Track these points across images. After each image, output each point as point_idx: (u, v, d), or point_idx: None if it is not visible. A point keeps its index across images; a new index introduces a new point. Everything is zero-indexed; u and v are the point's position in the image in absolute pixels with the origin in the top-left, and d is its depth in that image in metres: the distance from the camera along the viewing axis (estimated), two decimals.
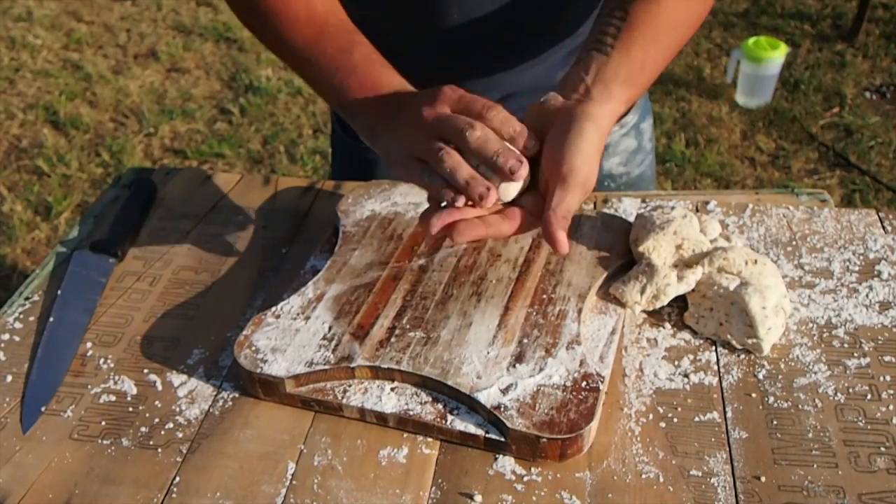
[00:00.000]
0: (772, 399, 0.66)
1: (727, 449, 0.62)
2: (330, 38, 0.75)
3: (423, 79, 0.93)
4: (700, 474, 0.61)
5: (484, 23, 0.85)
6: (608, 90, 0.66)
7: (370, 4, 0.86)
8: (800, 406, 0.65)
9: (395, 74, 0.73)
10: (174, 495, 0.62)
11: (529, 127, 0.65)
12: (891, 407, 0.65)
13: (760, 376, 0.68)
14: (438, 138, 0.64)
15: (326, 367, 0.67)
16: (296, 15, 0.76)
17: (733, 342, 0.70)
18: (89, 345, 0.76)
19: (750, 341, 0.69)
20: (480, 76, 0.92)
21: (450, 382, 0.64)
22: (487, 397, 0.63)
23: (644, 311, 0.75)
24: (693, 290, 0.73)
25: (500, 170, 0.61)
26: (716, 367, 0.69)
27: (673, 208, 0.79)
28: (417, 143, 0.65)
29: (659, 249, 0.75)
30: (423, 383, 0.66)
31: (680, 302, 0.75)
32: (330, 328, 0.70)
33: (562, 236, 0.61)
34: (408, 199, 0.86)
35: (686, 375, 0.69)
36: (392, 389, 0.66)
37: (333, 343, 0.69)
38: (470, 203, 0.63)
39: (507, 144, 0.62)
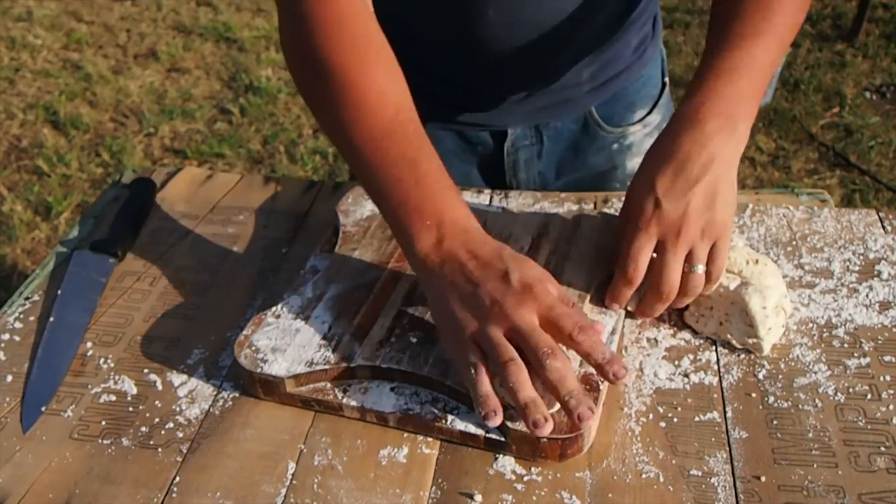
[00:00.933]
0: (772, 399, 0.66)
1: (727, 449, 0.62)
2: (396, 140, 0.67)
3: (453, 76, 0.93)
4: (700, 474, 0.61)
5: (519, 23, 0.85)
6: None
7: (403, 1, 0.85)
8: (800, 406, 0.65)
9: (460, 201, 0.66)
10: (174, 495, 0.62)
11: None
12: (891, 407, 0.65)
13: (760, 376, 0.68)
14: (510, 337, 0.60)
15: (326, 366, 0.67)
16: (366, 98, 0.67)
17: (733, 342, 0.70)
18: (89, 345, 0.76)
19: (750, 341, 0.69)
20: (510, 75, 0.92)
21: (450, 382, 0.64)
22: None
23: None
24: None
25: (569, 413, 0.58)
26: (716, 367, 0.69)
27: None
28: (483, 332, 0.60)
29: None
30: (423, 383, 0.66)
31: None
32: (330, 328, 0.70)
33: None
34: None
35: (686, 375, 0.69)
36: (392, 389, 0.66)
37: (333, 343, 0.69)
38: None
39: (582, 390, 0.59)
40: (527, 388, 0.58)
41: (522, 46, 0.87)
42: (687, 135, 0.67)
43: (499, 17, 0.84)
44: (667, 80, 1.04)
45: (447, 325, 0.64)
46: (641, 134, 1.02)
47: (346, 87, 0.68)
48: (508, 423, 0.61)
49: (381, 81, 0.69)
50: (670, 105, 1.06)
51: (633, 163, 1.03)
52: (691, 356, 0.70)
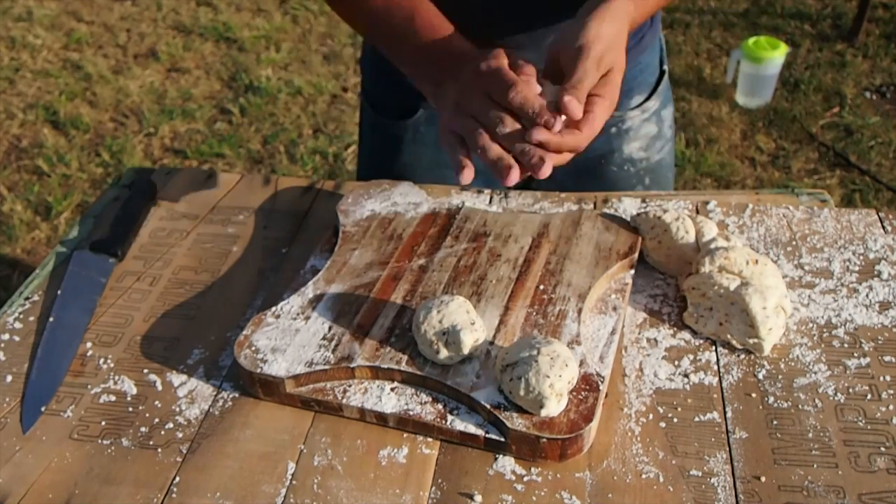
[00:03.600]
0: (772, 399, 0.66)
1: (727, 449, 0.62)
2: (394, 7, 0.81)
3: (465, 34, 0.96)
4: (700, 474, 0.61)
5: (510, 8, 0.85)
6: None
7: None
8: (800, 406, 0.65)
9: (453, 36, 0.80)
10: (174, 495, 0.62)
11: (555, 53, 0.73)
12: (891, 407, 0.65)
13: (760, 376, 0.68)
14: (488, 94, 0.70)
15: (326, 367, 0.67)
16: None
17: (733, 342, 0.70)
18: (89, 345, 0.76)
19: (751, 341, 0.69)
20: (519, 31, 0.92)
21: (449, 382, 0.64)
22: (487, 397, 0.63)
23: (644, 311, 0.75)
24: (693, 290, 0.73)
25: (537, 119, 0.68)
26: (716, 367, 0.69)
27: (665, 211, 0.79)
28: (469, 99, 0.71)
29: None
30: (423, 383, 0.66)
31: (680, 302, 0.75)
32: (330, 328, 0.70)
33: (573, 102, 0.67)
34: (408, 199, 0.86)
35: (686, 375, 0.69)
36: (392, 389, 0.66)
37: (333, 343, 0.69)
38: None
39: (544, 102, 0.68)
40: (508, 123, 0.69)
41: (515, 29, 0.88)
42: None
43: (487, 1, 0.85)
44: (666, 67, 1.06)
45: (442, 107, 0.76)
46: (640, 119, 1.03)
47: None
48: (508, 424, 0.61)
49: None
50: (669, 92, 1.07)
51: (630, 147, 1.04)
52: (691, 356, 0.70)
